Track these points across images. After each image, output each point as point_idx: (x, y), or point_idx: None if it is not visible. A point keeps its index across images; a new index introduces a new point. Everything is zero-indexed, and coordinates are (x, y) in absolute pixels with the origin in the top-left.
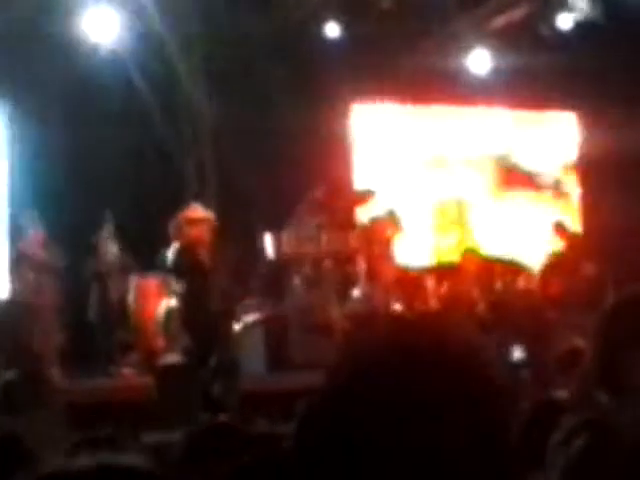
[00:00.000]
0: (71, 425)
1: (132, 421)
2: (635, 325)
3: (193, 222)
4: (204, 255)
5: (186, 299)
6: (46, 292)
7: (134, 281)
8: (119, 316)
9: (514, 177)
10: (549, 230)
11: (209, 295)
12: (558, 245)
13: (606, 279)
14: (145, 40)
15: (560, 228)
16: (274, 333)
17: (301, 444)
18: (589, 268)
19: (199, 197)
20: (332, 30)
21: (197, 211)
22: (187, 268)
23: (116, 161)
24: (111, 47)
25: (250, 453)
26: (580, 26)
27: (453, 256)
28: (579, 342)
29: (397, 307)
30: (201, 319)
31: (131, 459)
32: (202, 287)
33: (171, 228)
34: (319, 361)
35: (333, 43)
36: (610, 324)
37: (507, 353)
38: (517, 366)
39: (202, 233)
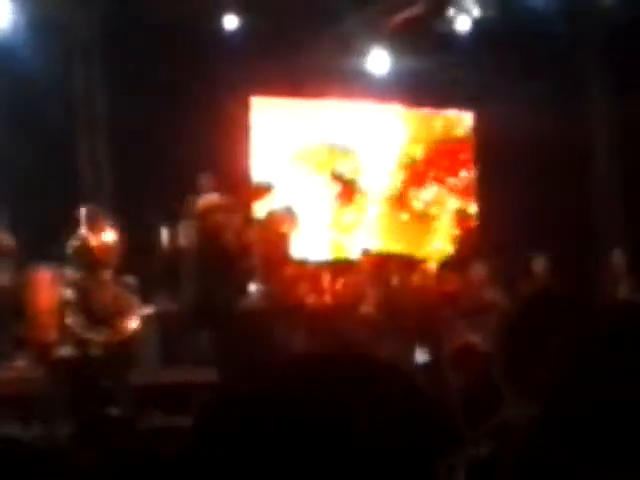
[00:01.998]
0: None
1: (22, 413)
2: (539, 325)
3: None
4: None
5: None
6: None
7: (28, 272)
8: (12, 308)
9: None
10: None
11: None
12: (456, 238)
13: (494, 277)
14: (40, 26)
15: (462, 216)
16: (168, 327)
17: (200, 439)
18: (479, 267)
19: (95, 187)
20: (230, 22)
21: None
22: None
23: (8, 150)
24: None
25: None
26: (477, 25)
27: (350, 252)
28: (473, 338)
29: (293, 302)
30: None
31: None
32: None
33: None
34: (211, 357)
35: (232, 35)
36: (515, 323)
37: (410, 355)
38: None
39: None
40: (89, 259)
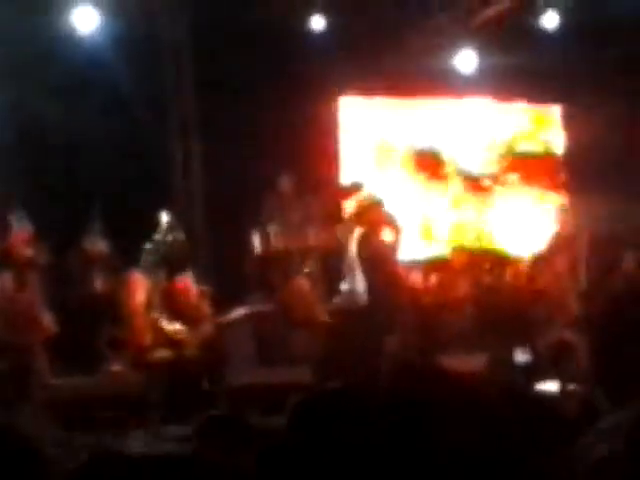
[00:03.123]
0: (56, 421)
1: (122, 417)
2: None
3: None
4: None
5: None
6: (31, 288)
7: (122, 277)
8: (107, 312)
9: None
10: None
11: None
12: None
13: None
14: (127, 31)
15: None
16: (263, 328)
17: (294, 438)
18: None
19: (186, 189)
20: (317, 23)
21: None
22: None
23: (100, 155)
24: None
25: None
26: (567, 17)
27: (444, 250)
28: (567, 335)
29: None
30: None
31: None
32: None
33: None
34: (305, 357)
35: (319, 36)
36: (610, 320)
37: (510, 357)
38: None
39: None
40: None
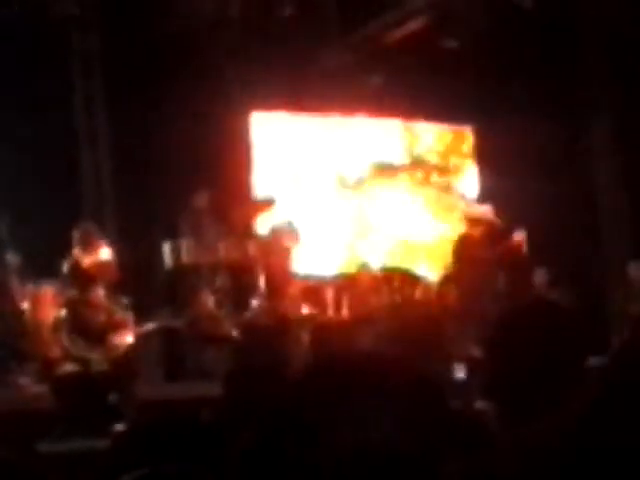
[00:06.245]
0: None
1: (29, 430)
2: (527, 338)
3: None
4: None
5: None
6: None
7: (30, 289)
8: (15, 325)
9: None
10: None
11: None
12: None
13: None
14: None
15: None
16: (172, 343)
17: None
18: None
19: (97, 203)
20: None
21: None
22: None
23: (10, 168)
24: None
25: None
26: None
27: (351, 268)
28: (476, 352)
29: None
30: None
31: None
32: None
33: None
34: (213, 371)
35: (233, 49)
36: (505, 335)
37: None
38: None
39: None
40: (82, 278)
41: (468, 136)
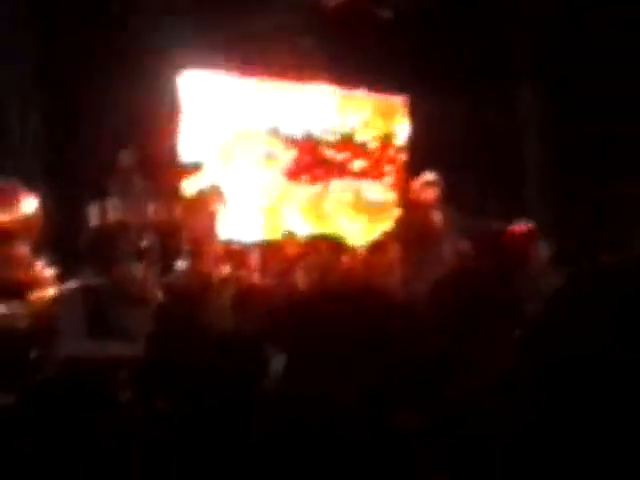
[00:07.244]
0: None
1: None
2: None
3: None
4: None
5: None
6: None
7: None
8: None
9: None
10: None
11: None
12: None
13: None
14: None
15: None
16: (94, 302)
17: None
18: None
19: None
20: None
21: None
22: None
23: None
24: None
25: None
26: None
27: (278, 234)
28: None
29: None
30: None
31: None
32: None
33: None
34: (136, 332)
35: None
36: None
37: None
38: None
39: None
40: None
41: (399, 109)
